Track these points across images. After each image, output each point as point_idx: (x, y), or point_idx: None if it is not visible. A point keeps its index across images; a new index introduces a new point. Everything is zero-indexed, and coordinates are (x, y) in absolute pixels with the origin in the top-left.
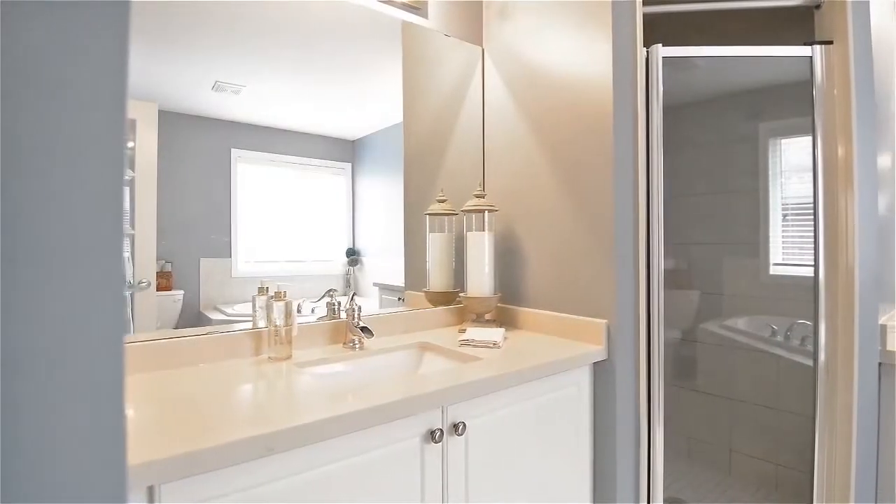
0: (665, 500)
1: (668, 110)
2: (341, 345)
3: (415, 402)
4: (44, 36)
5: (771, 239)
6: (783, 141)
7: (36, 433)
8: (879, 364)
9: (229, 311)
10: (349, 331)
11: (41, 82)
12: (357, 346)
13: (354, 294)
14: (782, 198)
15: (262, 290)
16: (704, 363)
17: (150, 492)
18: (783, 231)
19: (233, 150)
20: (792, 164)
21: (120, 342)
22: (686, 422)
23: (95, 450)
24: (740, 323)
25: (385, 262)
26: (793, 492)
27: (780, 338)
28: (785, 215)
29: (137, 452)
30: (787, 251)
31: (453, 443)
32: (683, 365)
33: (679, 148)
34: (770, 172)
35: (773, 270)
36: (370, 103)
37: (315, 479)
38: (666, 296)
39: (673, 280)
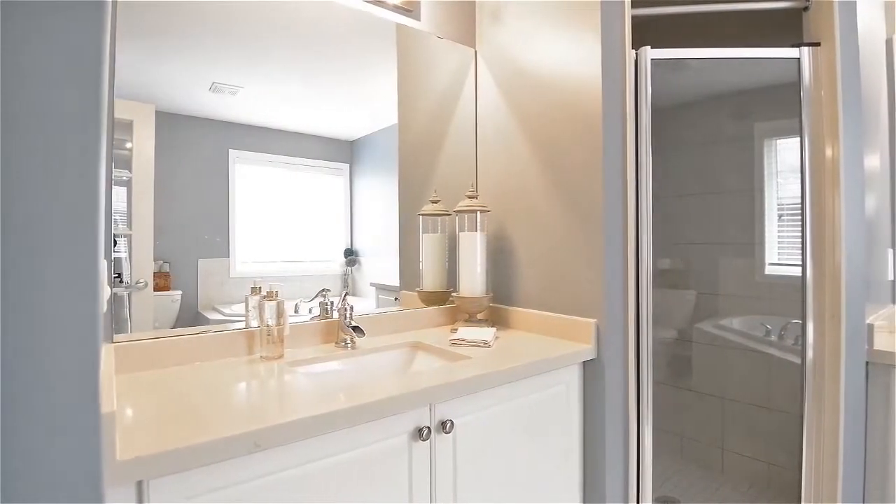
0: (658, 499)
1: (664, 111)
2: (333, 344)
3: (402, 400)
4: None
5: (767, 239)
6: (779, 141)
7: (12, 432)
8: (867, 363)
9: (227, 311)
10: (341, 330)
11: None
12: (349, 345)
13: (347, 294)
14: (778, 198)
15: (255, 290)
16: (699, 363)
17: (140, 487)
18: (779, 231)
19: (231, 150)
20: (788, 165)
21: (95, 350)
22: (680, 421)
23: (70, 452)
24: (735, 323)
25: (382, 263)
26: (784, 491)
27: (773, 337)
28: (780, 215)
29: (126, 448)
30: (783, 251)
31: (441, 440)
32: (678, 365)
33: (676, 148)
34: (766, 172)
35: (769, 270)
36: (368, 104)
37: (302, 475)
38: (662, 296)
39: (670, 280)
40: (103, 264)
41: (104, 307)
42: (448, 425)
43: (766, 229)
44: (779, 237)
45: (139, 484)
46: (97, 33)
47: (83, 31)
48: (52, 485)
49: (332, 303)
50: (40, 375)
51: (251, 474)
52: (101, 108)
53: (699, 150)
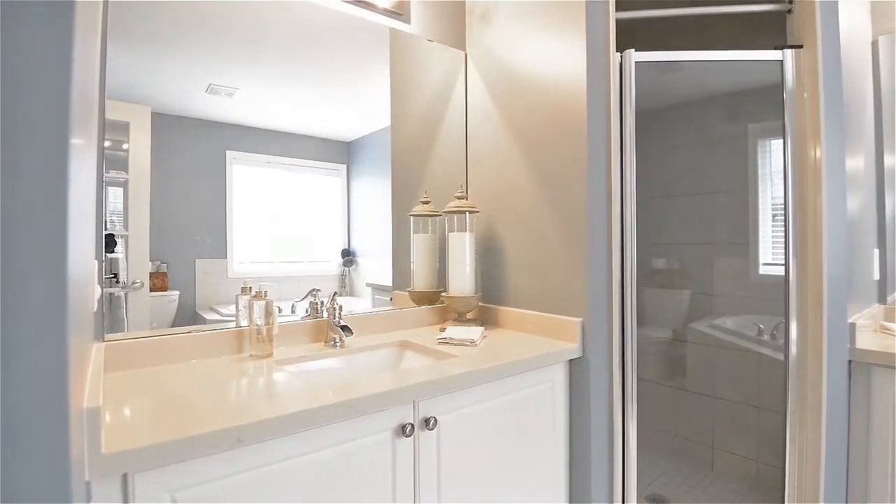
0: (648, 498)
1: (658, 112)
2: (323, 343)
3: (385, 397)
4: None
5: (761, 239)
6: (773, 142)
7: None
8: (850, 362)
9: (225, 311)
10: (330, 329)
11: None
12: (338, 344)
13: (335, 294)
14: (772, 198)
15: (246, 290)
16: (692, 362)
17: (125, 479)
18: (773, 231)
19: (228, 151)
20: (780, 165)
21: (63, 350)
22: (672, 420)
23: (38, 451)
24: (729, 322)
25: (378, 263)
26: (773, 489)
27: (766, 337)
28: (774, 215)
29: (112, 442)
30: (777, 251)
31: (425, 437)
32: (672, 364)
33: (670, 149)
34: (760, 173)
35: (763, 270)
36: (364, 105)
37: (285, 470)
38: (657, 295)
39: (664, 280)
40: (82, 266)
41: (94, 307)
42: (431, 422)
43: (760, 229)
44: (773, 237)
45: (124, 477)
46: (65, 35)
47: (50, 33)
48: (20, 483)
49: (321, 302)
50: (8, 374)
51: (234, 469)
52: (69, 112)
53: (693, 151)
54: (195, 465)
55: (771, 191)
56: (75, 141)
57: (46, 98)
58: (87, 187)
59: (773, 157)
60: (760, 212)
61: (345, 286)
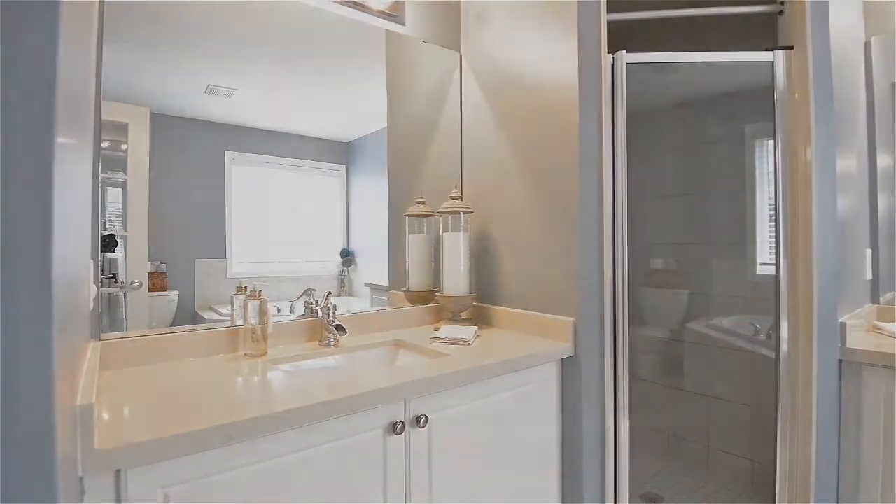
0: (643, 497)
1: (653, 113)
2: (317, 342)
3: (376, 395)
4: None
5: (758, 239)
6: (769, 142)
7: None
8: (840, 361)
9: (224, 311)
10: (324, 329)
11: None
12: (332, 343)
13: (330, 293)
14: (769, 198)
15: (241, 290)
16: (689, 362)
17: (118, 475)
18: (770, 231)
19: (227, 152)
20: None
21: (49, 347)
22: (668, 419)
23: (22, 450)
24: (726, 322)
25: (377, 263)
26: (767, 488)
27: (762, 336)
28: (771, 215)
29: (105, 439)
30: (774, 251)
31: (416, 435)
32: (668, 364)
33: (667, 150)
34: (757, 173)
35: (760, 270)
36: (364, 106)
37: (278, 466)
38: (654, 295)
39: (662, 280)
40: (72, 266)
41: (90, 306)
42: (422, 420)
43: (758, 229)
44: (770, 237)
45: (117, 473)
46: (51, 35)
47: (36, 33)
48: (5, 480)
49: (316, 302)
50: None
51: (226, 466)
52: (54, 112)
53: (691, 152)
54: (187, 461)
55: (768, 191)
56: (62, 140)
57: (30, 98)
58: (80, 187)
59: (768, 158)
60: (757, 212)
61: (344, 286)
